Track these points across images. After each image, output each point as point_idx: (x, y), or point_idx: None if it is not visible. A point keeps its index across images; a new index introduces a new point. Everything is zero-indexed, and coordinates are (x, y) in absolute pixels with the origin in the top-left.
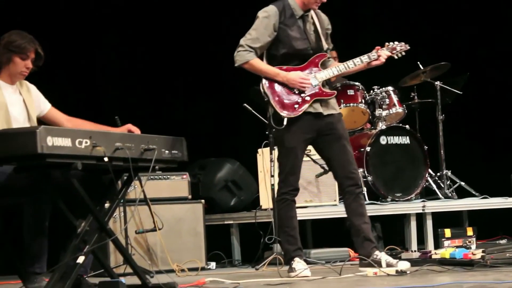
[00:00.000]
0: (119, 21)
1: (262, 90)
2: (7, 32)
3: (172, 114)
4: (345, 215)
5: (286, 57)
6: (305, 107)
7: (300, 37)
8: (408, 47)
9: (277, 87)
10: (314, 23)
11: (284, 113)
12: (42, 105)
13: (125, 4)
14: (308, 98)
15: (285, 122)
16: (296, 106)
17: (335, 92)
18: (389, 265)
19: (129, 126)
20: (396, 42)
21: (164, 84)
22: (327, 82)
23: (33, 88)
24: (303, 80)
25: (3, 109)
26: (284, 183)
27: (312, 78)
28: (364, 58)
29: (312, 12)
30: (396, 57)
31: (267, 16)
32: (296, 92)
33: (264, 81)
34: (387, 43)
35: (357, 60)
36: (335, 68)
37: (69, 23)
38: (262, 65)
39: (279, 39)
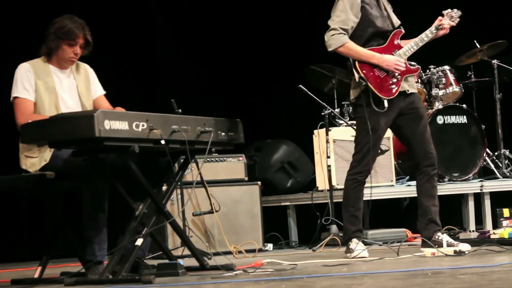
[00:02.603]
0: (176, 6)
1: (357, 73)
2: (60, 17)
3: (228, 96)
4: (401, 196)
5: (371, 37)
6: (399, 87)
7: (380, 15)
8: (460, 13)
9: (372, 70)
10: (382, 1)
11: (383, 96)
12: (93, 89)
13: None
14: (399, 77)
15: (386, 104)
16: (393, 86)
17: (419, 67)
18: (450, 246)
19: (118, 108)
20: (449, 10)
21: (219, 67)
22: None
23: (90, 71)
24: (399, 62)
25: (53, 93)
26: (359, 163)
27: (398, 56)
28: (433, 29)
29: None
30: (454, 24)
31: None
32: (390, 73)
33: (358, 63)
34: (445, 11)
35: (428, 32)
36: (414, 43)
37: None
38: (358, 48)
39: (362, 18)
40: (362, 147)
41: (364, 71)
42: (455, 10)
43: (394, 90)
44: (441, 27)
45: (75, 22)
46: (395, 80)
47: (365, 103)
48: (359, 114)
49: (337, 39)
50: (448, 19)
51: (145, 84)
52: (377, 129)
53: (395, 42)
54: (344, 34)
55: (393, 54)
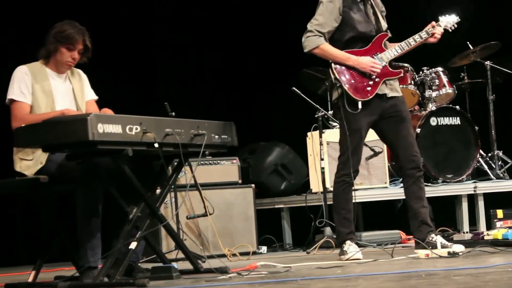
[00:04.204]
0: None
1: (332, 75)
2: (60, 21)
3: (222, 99)
4: (395, 198)
5: (351, 41)
6: (376, 89)
7: (363, 19)
8: (459, 19)
9: (348, 71)
10: (371, 5)
11: (357, 97)
12: (85, 94)
13: None
14: (378, 80)
15: (360, 106)
16: (369, 88)
17: (401, 70)
18: (444, 247)
19: (106, 109)
20: (447, 15)
21: (214, 70)
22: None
23: (84, 77)
24: (374, 64)
25: (50, 97)
26: (345, 165)
27: (379, 59)
28: (423, 34)
29: None
30: (450, 30)
31: (331, 0)
32: (367, 75)
33: (334, 65)
34: (441, 17)
35: (416, 37)
36: (398, 47)
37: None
38: (333, 50)
39: (343, 22)
40: (346, 149)
41: (339, 73)
42: (453, 15)
43: (369, 92)
44: (432, 33)
45: (76, 27)
46: (371, 82)
47: (341, 105)
48: (338, 116)
49: (312, 41)
50: (443, 26)
51: (141, 86)
52: (356, 129)
53: (378, 45)
54: (320, 36)
55: (373, 57)
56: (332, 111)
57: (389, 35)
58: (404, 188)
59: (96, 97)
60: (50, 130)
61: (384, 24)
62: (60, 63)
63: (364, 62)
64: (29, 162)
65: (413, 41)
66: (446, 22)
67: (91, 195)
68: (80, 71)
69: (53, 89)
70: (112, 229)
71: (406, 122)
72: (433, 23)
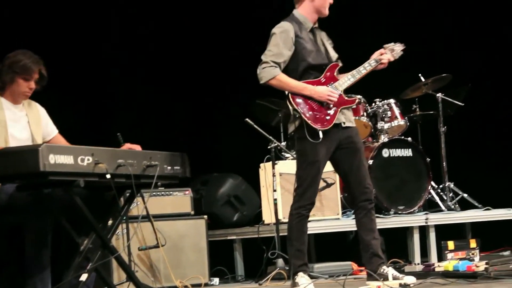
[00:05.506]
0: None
1: (290, 105)
2: (14, 51)
3: (173, 130)
4: (348, 229)
5: (305, 71)
6: (335, 118)
7: (315, 49)
8: (404, 46)
9: (306, 101)
10: (320, 37)
11: (318, 126)
12: (49, 129)
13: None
14: (335, 109)
15: (321, 135)
16: (328, 117)
17: (356, 98)
18: (395, 279)
19: (128, 145)
20: (392, 43)
21: (165, 100)
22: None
23: (42, 110)
24: (331, 93)
25: (3, 127)
26: (301, 197)
27: (334, 88)
28: (372, 62)
29: None
30: (396, 58)
31: (283, 30)
32: (324, 104)
33: (291, 96)
34: (385, 45)
35: (366, 65)
36: (350, 76)
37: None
38: (289, 80)
39: (296, 53)
40: (303, 181)
41: (297, 103)
42: (398, 43)
43: (328, 121)
44: (380, 61)
45: (31, 57)
46: (330, 111)
47: (301, 136)
48: (297, 147)
49: (268, 72)
50: (390, 53)
51: (94, 117)
52: (315, 161)
53: (331, 75)
54: (276, 67)
55: (328, 86)
56: (288, 143)
57: (341, 64)
58: (355, 220)
59: (56, 131)
60: (1, 160)
61: (334, 54)
62: (17, 94)
63: (321, 91)
64: None
65: (364, 69)
66: (390, 49)
67: (41, 226)
68: (37, 104)
69: (7, 120)
70: (63, 261)
71: (359, 153)
72: (382, 50)
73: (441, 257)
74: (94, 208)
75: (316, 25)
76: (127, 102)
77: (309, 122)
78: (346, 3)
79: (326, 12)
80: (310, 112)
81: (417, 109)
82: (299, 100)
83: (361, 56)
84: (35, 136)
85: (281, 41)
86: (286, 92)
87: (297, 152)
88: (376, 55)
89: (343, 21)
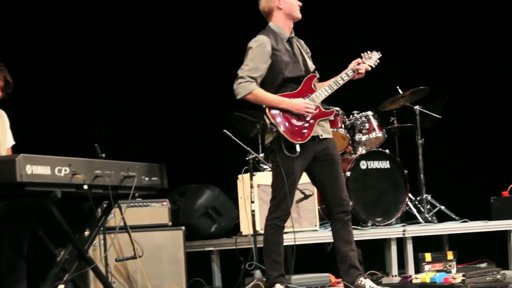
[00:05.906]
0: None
1: (267, 119)
2: None
3: (151, 141)
4: (325, 241)
5: (282, 84)
6: (312, 131)
7: (292, 61)
8: (380, 55)
9: (283, 115)
10: (298, 46)
11: (295, 140)
12: (8, 139)
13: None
14: (312, 121)
15: (298, 149)
16: (305, 131)
17: (333, 111)
18: None
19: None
20: (369, 52)
21: (142, 110)
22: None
23: (7, 120)
24: (308, 105)
25: None
26: (276, 208)
27: (311, 100)
28: (349, 72)
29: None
30: (373, 66)
31: (260, 44)
32: (301, 117)
33: (268, 110)
34: (363, 54)
35: (343, 75)
36: (328, 87)
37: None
38: (266, 94)
39: (273, 65)
40: (279, 192)
41: (274, 117)
42: (374, 52)
43: (306, 134)
44: (358, 71)
45: None
46: (307, 124)
47: (277, 148)
48: (273, 159)
49: (245, 87)
50: (367, 62)
51: (71, 127)
52: (291, 173)
53: (309, 86)
54: (252, 82)
55: (305, 99)
56: (264, 154)
57: (318, 75)
58: (332, 232)
59: (13, 143)
60: None
61: (311, 65)
62: None
63: (298, 103)
64: None
65: (341, 79)
66: (367, 57)
67: (17, 237)
68: (3, 112)
69: None
70: (39, 272)
71: (336, 165)
72: (358, 60)
73: (418, 269)
74: (71, 219)
75: (293, 35)
76: (104, 112)
77: (286, 135)
78: (324, 14)
79: (298, 15)
80: (287, 126)
81: (395, 121)
82: (276, 114)
83: (340, 65)
84: (2, 144)
85: (257, 55)
86: (263, 106)
87: (273, 164)
88: (353, 64)
89: (320, 31)
